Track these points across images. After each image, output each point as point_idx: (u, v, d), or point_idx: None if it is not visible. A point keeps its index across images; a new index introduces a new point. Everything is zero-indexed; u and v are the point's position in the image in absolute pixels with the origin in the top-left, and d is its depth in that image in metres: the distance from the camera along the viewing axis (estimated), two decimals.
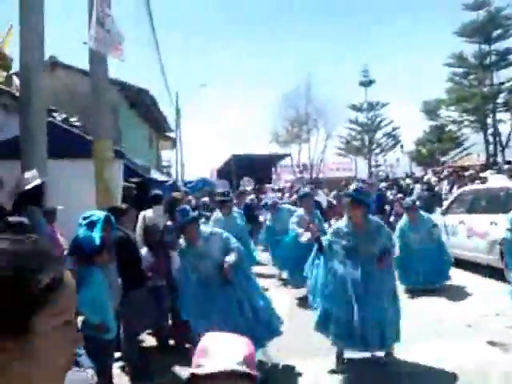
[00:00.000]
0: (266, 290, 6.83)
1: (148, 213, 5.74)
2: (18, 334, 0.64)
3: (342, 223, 4.63)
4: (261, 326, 4.27)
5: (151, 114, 17.72)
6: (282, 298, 6.86)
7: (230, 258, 4.16)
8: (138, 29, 13.99)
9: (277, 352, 4.69)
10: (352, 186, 4.86)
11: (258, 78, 72.36)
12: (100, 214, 3.45)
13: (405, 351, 4.55)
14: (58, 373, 0.67)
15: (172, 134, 25.85)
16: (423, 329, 5.29)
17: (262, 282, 6.26)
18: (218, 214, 7.74)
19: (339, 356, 4.51)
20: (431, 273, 7.28)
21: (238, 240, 4.91)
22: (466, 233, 8.57)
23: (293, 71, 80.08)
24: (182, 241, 4.36)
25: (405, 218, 7.84)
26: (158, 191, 6.39)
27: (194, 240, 4.26)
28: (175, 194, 5.52)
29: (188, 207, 4.65)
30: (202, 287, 4.31)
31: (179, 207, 4.46)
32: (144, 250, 4.97)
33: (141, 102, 15.60)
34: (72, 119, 8.76)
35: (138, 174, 9.10)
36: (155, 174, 11.12)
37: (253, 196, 14.37)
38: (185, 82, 66.18)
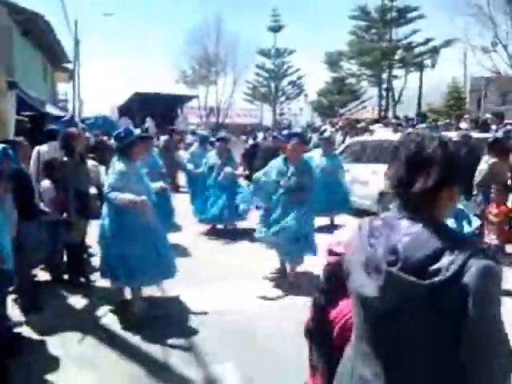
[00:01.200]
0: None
1: (43, 148, 5.61)
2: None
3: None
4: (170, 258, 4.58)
5: (47, 42, 16.39)
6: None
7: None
8: None
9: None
10: (297, 129, 6.13)
11: (164, 12, 68.87)
12: None
13: None
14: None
15: (70, 66, 24.14)
16: None
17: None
18: None
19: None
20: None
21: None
22: (351, 180, 9.45)
23: (202, 7, 77.06)
24: (119, 163, 4.31)
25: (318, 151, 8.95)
26: (53, 126, 6.20)
27: (138, 158, 4.58)
28: (71, 130, 5.42)
29: (130, 127, 4.79)
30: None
31: (121, 128, 4.59)
32: (46, 183, 4.97)
33: (35, 29, 14.31)
34: None
35: (32, 108, 8.66)
36: (50, 109, 10.59)
37: (166, 137, 14.24)
38: (86, 12, 60.78)
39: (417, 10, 29.54)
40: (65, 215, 4.99)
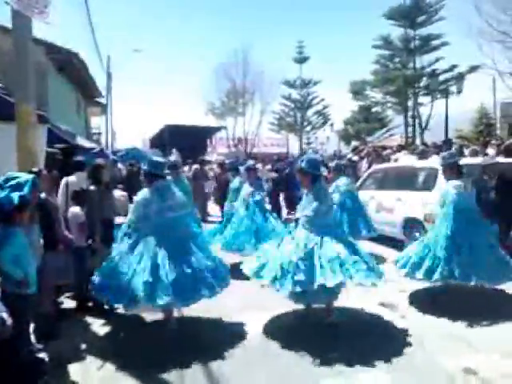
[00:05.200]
0: None
1: (71, 178, 5.86)
2: None
3: None
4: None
5: (81, 78, 17.16)
6: None
7: None
8: None
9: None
10: (304, 157, 5.19)
11: (194, 47, 71.12)
12: (27, 176, 3.55)
13: None
14: None
15: (102, 100, 25.09)
16: None
17: None
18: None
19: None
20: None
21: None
22: (376, 207, 9.34)
23: (229, 42, 79.50)
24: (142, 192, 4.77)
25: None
26: (80, 158, 6.47)
27: None
28: (98, 161, 5.68)
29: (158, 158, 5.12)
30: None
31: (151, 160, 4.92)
32: (75, 209, 5.17)
33: (70, 66, 15.07)
34: None
35: (64, 140, 9.01)
36: (81, 141, 10.99)
37: (197, 166, 14.84)
38: (117, 48, 63.62)
39: (440, 37, 29.48)
40: (90, 242, 5.16)
